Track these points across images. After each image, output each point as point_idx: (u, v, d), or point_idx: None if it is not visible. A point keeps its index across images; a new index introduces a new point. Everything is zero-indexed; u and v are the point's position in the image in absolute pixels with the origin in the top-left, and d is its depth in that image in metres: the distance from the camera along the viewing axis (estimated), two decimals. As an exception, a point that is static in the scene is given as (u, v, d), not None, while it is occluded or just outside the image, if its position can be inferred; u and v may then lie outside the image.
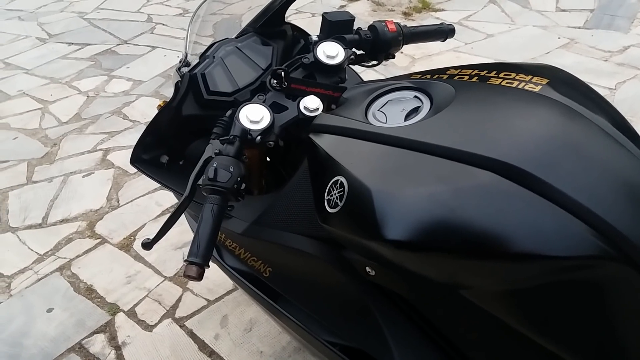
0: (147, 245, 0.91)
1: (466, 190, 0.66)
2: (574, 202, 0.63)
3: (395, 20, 1.13)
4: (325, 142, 0.86)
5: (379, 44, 1.11)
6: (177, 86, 1.08)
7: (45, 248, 2.23)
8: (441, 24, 1.21)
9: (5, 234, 2.33)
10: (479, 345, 0.81)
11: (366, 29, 1.13)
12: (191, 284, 2.00)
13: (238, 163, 0.88)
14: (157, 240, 0.92)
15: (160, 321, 1.87)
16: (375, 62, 1.16)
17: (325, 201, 0.80)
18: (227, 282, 1.94)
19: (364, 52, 1.13)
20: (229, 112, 0.97)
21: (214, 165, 0.86)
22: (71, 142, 2.91)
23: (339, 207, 0.76)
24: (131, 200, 2.44)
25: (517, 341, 0.73)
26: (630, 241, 0.63)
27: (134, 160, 1.11)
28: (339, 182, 0.78)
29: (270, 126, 0.94)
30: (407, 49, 3.56)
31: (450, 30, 1.20)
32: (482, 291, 0.71)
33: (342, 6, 4.34)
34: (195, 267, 0.81)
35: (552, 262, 0.62)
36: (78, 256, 2.17)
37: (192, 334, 1.81)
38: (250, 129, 0.92)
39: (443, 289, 0.75)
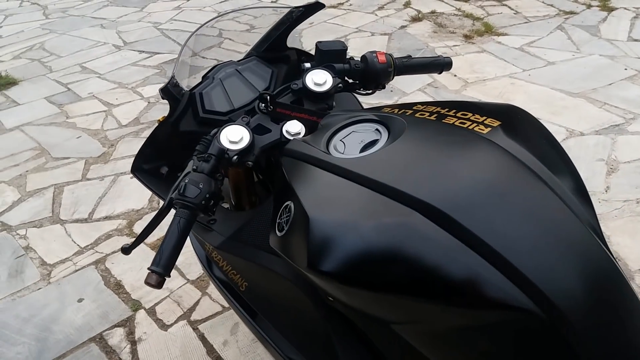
0: (126, 250, 0.97)
1: (390, 226, 0.67)
2: (489, 248, 0.62)
3: (386, 52, 1.14)
4: (289, 166, 0.89)
5: (368, 74, 1.13)
6: (171, 103, 1.15)
7: (87, 242, 2.39)
8: (438, 56, 1.20)
9: (55, 225, 2.52)
10: None
11: (358, 59, 1.15)
12: (210, 289, 2.07)
13: (209, 180, 0.92)
14: (136, 246, 0.98)
15: (176, 322, 1.96)
16: (368, 92, 1.17)
17: (277, 224, 0.83)
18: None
19: (356, 82, 1.15)
20: (214, 131, 1.02)
21: (185, 181, 0.91)
22: (127, 144, 3.10)
23: (284, 232, 0.79)
24: (170, 204, 2.56)
25: None
26: (541, 292, 0.61)
27: (134, 170, 1.19)
28: (289, 206, 0.80)
29: (250, 147, 0.98)
30: (462, 73, 3.52)
31: (447, 63, 1.19)
32: (405, 327, 0.71)
33: (403, 26, 4.35)
34: (155, 275, 0.85)
35: (462, 307, 0.62)
36: (114, 252, 2.31)
37: (202, 338, 1.88)
38: (228, 149, 0.97)
39: (378, 321, 0.76)
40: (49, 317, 2.02)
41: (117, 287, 2.13)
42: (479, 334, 0.65)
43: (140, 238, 0.97)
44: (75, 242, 2.39)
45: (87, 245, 2.37)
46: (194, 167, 0.94)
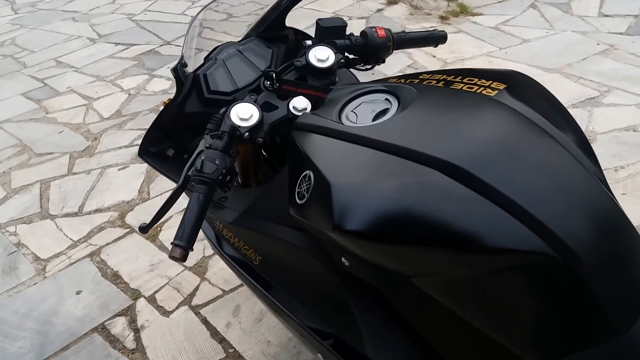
0: (144, 229, 0.99)
1: (411, 185, 0.71)
2: (506, 199, 0.67)
3: (385, 27, 1.17)
4: (302, 139, 0.92)
5: (369, 49, 1.16)
6: (178, 84, 1.17)
7: (79, 235, 2.38)
8: (433, 30, 1.25)
9: (44, 221, 2.50)
10: (436, 334, 0.86)
11: (358, 34, 1.18)
12: (209, 274, 2.10)
13: (224, 157, 0.94)
14: (153, 225, 1.00)
15: (177, 308, 1.98)
16: (368, 67, 1.21)
17: (296, 193, 0.86)
18: (242, 274, 2.03)
19: (356, 57, 1.19)
20: (223, 109, 1.05)
21: (202, 157, 0.93)
22: (111, 137, 3.08)
23: (305, 199, 0.82)
24: (161, 194, 2.57)
25: (465, 329, 0.77)
26: (557, 237, 0.66)
27: (141, 153, 1.21)
28: (308, 175, 0.84)
29: (259, 124, 1.01)
30: (440, 53, 3.57)
31: (442, 36, 1.24)
32: (426, 279, 0.76)
33: (379, 10, 4.38)
34: (180, 249, 0.88)
35: (483, 254, 0.67)
36: (108, 244, 2.31)
37: (205, 321, 1.91)
38: (239, 126, 0.99)
39: (398, 277, 0.80)
40: (48, 311, 2.02)
41: (115, 278, 2.13)
42: (499, 279, 0.70)
43: (158, 216, 0.99)
44: (67, 236, 2.38)
45: (80, 239, 2.36)
46: (207, 145, 0.97)
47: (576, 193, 0.71)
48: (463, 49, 3.61)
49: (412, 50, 3.59)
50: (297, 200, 0.85)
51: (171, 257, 0.88)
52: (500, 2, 4.29)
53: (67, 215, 2.52)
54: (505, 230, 0.66)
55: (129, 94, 3.53)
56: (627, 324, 0.71)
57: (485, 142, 0.73)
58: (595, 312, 0.69)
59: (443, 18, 4.12)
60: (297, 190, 0.86)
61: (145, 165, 2.75)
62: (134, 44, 4.24)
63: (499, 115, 0.78)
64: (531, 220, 0.66)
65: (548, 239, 0.66)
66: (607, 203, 0.73)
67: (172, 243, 0.89)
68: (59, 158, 2.95)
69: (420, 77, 0.94)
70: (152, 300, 2.02)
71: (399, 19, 4.18)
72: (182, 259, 0.88)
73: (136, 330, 1.91)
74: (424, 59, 3.49)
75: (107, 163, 2.85)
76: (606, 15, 3.83)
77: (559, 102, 0.88)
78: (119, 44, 4.29)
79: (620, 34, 3.55)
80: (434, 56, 3.53)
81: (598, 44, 3.46)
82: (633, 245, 0.74)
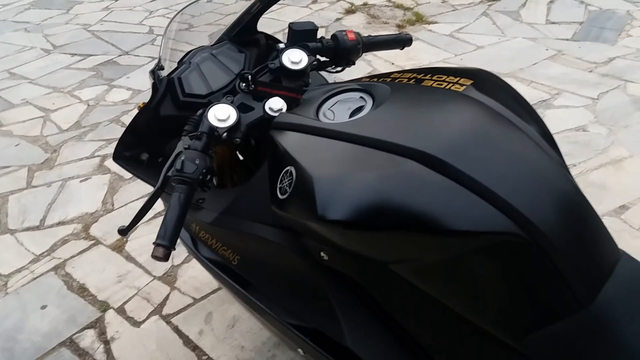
0: (123, 231, 1.00)
1: (390, 175, 0.76)
2: (479, 185, 0.72)
3: (354, 30, 1.22)
4: (281, 137, 0.95)
5: (339, 51, 1.20)
6: (154, 88, 1.17)
7: (42, 249, 2.32)
8: (400, 33, 1.30)
9: (4, 236, 2.42)
10: (414, 321, 0.89)
11: (329, 38, 1.22)
12: (179, 283, 2.08)
13: (204, 157, 0.96)
14: (132, 227, 1.00)
15: (147, 317, 1.95)
16: (339, 69, 1.25)
17: (278, 189, 0.88)
18: (213, 282, 2.02)
19: (327, 59, 1.22)
20: (200, 111, 1.06)
21: (182, 158, 0.94)
22: (70, 149, 3.01)
23: (287, 194, 0.85)
24: (125, 204, 2.53)
25: (442, 314, 0.81)
26: (526, 218, 0.72)
27: (116, 157, 1.20)
28: (289, 171, 0.86)
29: (237, 124, 1.03)
30: (399, 60, 3.67)
31: (408, 39, 1.29)
32: (404, 265, 0.80)
33: (338, 19, 4.46)
34: (162, 248, 0.88)
35: (458, 236, 0.71)
36: (72, 256, 2.26)
37: (177, 330, 1.89)
38: (217, 127, 1.01)
39: (377, 266, 0.84)
40: (12, 327, 1.96)
41: (82, 290, 2.09)
42: (472, 260, 0.75)
43: (137, 218, 1.00)
44: (29, 250, 2.32)
45: (43, 252, 2.30)
46: (186, 146, 0.98)
47: (542, 178, 0.77)
48: (420, 56, 3.72)
49: (372, 58, 3.67)
50: (280, 196, 0.87)
51: (154, 256, 0.89)
52: (454, 10, 4.44)
53: (27, 229, 2.45)
54: (479, 214, 0.71)
55: (88, 105, 3.46)
56: (591, 295, 0.77)
57: (458, 133, 0.78)
58: (562, 285, 0.75)
59: (400, 27, 4.23)
60: (279, 186, 0.88)
61: (109, 176, 2.73)
62: (91, 55, 4.17)
63: (469, 108, 0.83)
64: (503, 204, 0.71)
65: (518, 220, 0.71)
66: (570, 187, 0.80)
67: (154, 243, 0.89)
68: (16, 171, 2.86)
69: (392, 75, 0.99)
70: (121, 311, 1.99)
71: (357, 28, 4.25)
72: (165, 258, 0.89)
73: (106, 342, 1.87)
74: (384, 67, 3.58)
75: (68, 175, 2.78)
76: (553, 23, 4.03)
77: (522, 96, 0.94)
78: (75, 54, 4.20)
79: (567, 40, 3.73)
80: (393, 64, 3.62)
81: (547, 49, 3.63)
82: (593, 224, 0.81)
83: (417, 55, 3.72)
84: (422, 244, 0.76)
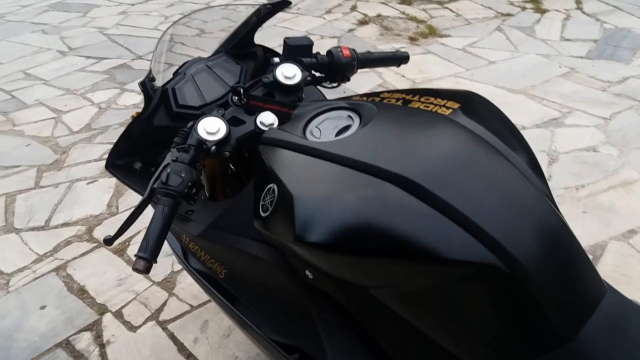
0: (109, 241, 1.00)
1: (369, 199, 0.74)
2: (458, 213, 0.71)
3: (350, 47, 1.22)
4: (267, 153, 0.95)
5: (334, 67, 1.20)
6: (146, 98, 1.18)
7: (45, 249, 2.35)
8: (396, 51, 1.30)
9: (9, 235, 2.45)
10: (395, 346, 0.88)
11: (324, 54, 1.23)
12: (177, 290, 2.09)
13: (191, 170, 0.96)
14: (117, 237, 1.00)
15: (144, 323, 1.96)
16: (334, 85, 1.25)
17: (260, 206, 0.88)
18: (210, 289, 2.02)
19: (322, 75, 1.22)
20: (190, 123, 1.06)
21: (168, 170, 0.95)
22: (80, 151, 3.05)
23: (269, 212, 0.85)
24: (129, 208, 2.55)
25: (422, 341, 0.80)
26: (505, 249, 0.70)
27: (108, 165, 1.21)
28: (272, 188, 0.86)
29: (226, 138, 1.03)
30: (410, 73, 3.66)
31: (404, 57, 1.29)
32: (383, 291, 0.79)
33: (351, 30, 4.47)
34: (143, 261, 0.88)
35: (435, 264, 0.70)
36: (74, 258, 2.28)
37: (172, 337, 1.89)
38: (206, 140, 1.01)
39: (358, 290, 0.83)
40: (11, 326, 1.97)
41: (81, 292, 2.11)
42: (451, 289, 0.73)
43: (123, 229, 1.00)
44: (32, 250, 2.34)
45: (46, 253, 2.32)
46: (174, 158, 0.98)
47: (525, 209, 0.75)
48: (431, 70, 3.71)
49: (383, 70, 3.67)
50: (261, 213, 0.87)
51: (134, 269, 0.89)
52: (467, 24, 4.43)
53: (32, 229, 2.48)
54: (457, 243, 0.70)
55: (100, 108, 3.51)
56: (574, 331, 0.75)
57: (439, 159, 0.77)
58: (542, 321, 0.73)
59: (412, 39, 4.23)
60: (261, 203, 0.88)
61: (115, 179, 2.74)
62: (105, 58, 4.22)
63: (452, 133, 0.82)
64: (481, 234, 0.70)
65: (497, 251, 0.70)
66: (554, 219, 0.78)
67: (135, 255, 0.90)
68: (25, 171, 2.90)
69: (382, 95, 0.98)
70: (118, 315, 2.00)
71: (369, 39, 4.27)
72: (146, 271, 0.89)
73: (102, 346, 1.88)
74: (394, 79, 3.57)
75: (75, 177, 2.82)
76: (568, 40, 4.00)
77: (511, 122, 0.93)
78: (90, 57, 4.26)
79: (581, 57, 3.70)
80: (403, 76, 3.62)
81: (560, 66, 3.60)
82: (577, 258, 0.79)
83: (429, 69, 3.72)
84: (398, 271, 0.74)
